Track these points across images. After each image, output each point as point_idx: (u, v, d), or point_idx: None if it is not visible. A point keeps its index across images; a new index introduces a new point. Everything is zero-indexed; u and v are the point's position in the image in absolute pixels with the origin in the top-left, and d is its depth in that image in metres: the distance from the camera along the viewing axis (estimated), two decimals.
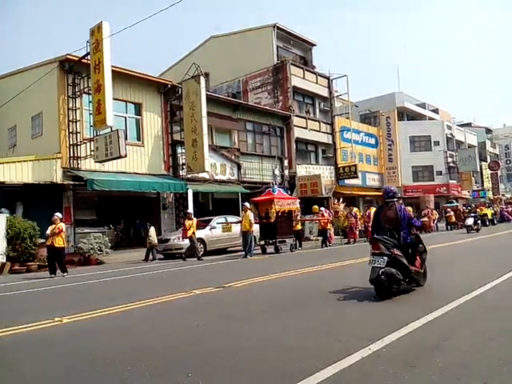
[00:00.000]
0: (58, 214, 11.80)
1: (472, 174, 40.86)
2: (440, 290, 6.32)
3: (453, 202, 31.51)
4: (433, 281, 6.67)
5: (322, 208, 19.00)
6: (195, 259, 13.99)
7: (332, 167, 28.67)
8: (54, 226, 11.44)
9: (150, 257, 15.09)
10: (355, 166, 28.22)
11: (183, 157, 19.33)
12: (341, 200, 21.51)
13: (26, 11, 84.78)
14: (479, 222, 23.32)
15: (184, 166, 19.27)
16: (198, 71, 18.79)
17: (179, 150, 19.65)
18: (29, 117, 17.84)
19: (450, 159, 38.44)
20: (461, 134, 42.46)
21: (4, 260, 12.92)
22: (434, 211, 26.99)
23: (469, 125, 49.45)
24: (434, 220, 25.86)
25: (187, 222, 14.61)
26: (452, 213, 27.19)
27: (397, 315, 4.87)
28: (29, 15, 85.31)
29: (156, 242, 15.39)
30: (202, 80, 18.75)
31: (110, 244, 15.26)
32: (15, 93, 16.87)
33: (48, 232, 11.37)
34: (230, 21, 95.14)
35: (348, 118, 29.91)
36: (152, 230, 15.30)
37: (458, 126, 44.53)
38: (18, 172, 14.95)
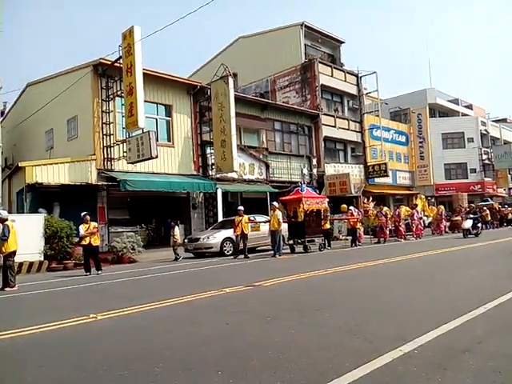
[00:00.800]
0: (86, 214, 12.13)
1: (508, 172, 39.37)
2: (473, 292, 6.19)
3: (488, 201, 30.51)
4: (466, 282, 6.55)
5: (352, 207, 18.82)
6: (226, 257, 14.16)
7: (361, 166, 28.33)
8: (87, 225, 11.80)
9: (178, 255, 15.28)
10: (385, 164, 27.80)
11: (212, 157, 19.59)
12: (370, 199, 21.23)
13: (60, 17, 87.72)
14: (479, 224, 19.48)
15: (213, 166, 19.53)
16: (227, 72, 18.99)
17: (208, 150, 19.93)
18: (65, 120, 18.51)
19: (484, 156, 37.18)
20: (496, 130, 41.02)
21: (42, 258, 13.46)
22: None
23: (504, 120, 47.63)
24: None
25: (237, 219, 14.90)
26: (488, 211, 26.33)
27: (429, 316, 4.81)
28: (62, 20, 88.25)
29: (180, 241, 15.65)
30: (231, 80, 18.93)
31: (142, 243, 15.62)
32: (51, 97, 17.57)
33: (83, 232, 11.72)
34: (258, 21, 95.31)
35: (377, 116, 29.47)
36: (177, 230, 15.55)
37: (493, 121, 42.97)
38: (55, 173, 15.56)
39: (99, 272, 11.69)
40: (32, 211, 14.81)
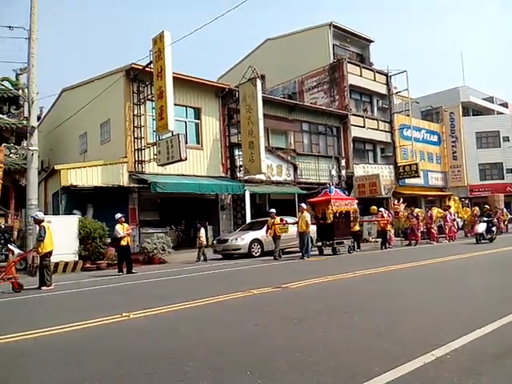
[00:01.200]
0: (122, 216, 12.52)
1: None
2: (508, 297, 5.98)
3: None
4: (499, 286, 6.33)
5: (382, 209, 18.51)
6: (254, 259, 14.21)
7: (391, 166, 27.81)
8: (121, 226, 12.16)
9: (202, 257, 15.44)
10: (416, 164, 27.19)
11: (240, 159, 19.72)
12: (401, 200, 20.81)
13: (91, 23, 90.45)
14: (494, 228, 17.39)
15: (241, 168, 19.65)
16: (254, 74, 19.08)
17: (236, 152, 20.07)
18: (98, 124, 19.08)
19: None
20: None
21: (76, 258, 13.90)
22: (505, 212, 25.31)
23: None
24: (504, 221, 24.27)
25: (269, 221, 15.05)
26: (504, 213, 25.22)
27: (461, 321, 4.69)
28: (93, 27, 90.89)
29: (205, 242, 15.83)
30: (258, 83, 19.01)
31: (171, 244, 15.87)
32: (85, 102, 18.12)
33: (122, 233, 12.07)
34: (284, 23, 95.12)
35: (408, 115, 28.88)
36: (202, 231, 15.74)
37: None
38: (89, 176, 16.04)
39: (133, 272, 11.97)
40: (67, 213, 15.33)
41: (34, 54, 13.95)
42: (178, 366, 3.60)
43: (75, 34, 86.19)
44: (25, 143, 16.27)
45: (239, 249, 15.54)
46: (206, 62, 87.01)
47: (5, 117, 19.65)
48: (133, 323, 5.50)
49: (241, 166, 19.72)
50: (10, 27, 13.95)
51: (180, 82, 17.77)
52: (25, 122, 16.83)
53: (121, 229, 12.10)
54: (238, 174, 19.88)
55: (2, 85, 19.96)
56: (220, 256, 16.34)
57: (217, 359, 3.77)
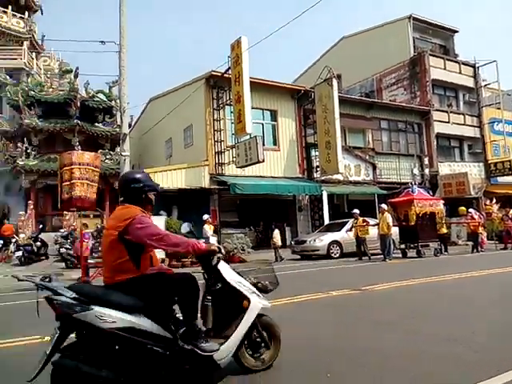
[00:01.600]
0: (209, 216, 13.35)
1: None
2: None
3: None
4: None
5: (471, 210, 17.28)
6: (333, 260, 14.09)
7: (481, 164, 25.84)
8: (209, 226, 13.09)
9: (279, 258, 15.61)
10: (510, 161, 24.95)
11: (317, 159, 19.63)
12: (494, 200, 19.29)
13: (169, 31, 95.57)
14: None
15: (318, 168, 19.56)
16: (330, 74, 18.89)
17: (313, 152, 20.02)
18: (181, 129, 20.19)
19: None
20: None
21: (163, 256, 14.81)
22: None
23: None
24: None
25: (353, 222, 15.15)
26: None
27: None
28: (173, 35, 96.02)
29: (280, 243, 15.96)
30: (334, 82, 18.80)
31: (251, 244, 16.27)
32: (169, 109, 19.25)
33: (211, 232, 12.94)
34: (360, 20, 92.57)
35: (499, 109, 26.59)
36: (275, 233, 15.89)
37: None
38: (174, 179, 17.05)
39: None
40: (154, 213, 16.36)
41: (125, 66, 15.03)
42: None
43: (160, 47, 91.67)
44: (118, 149, 17.70)
45: (317, 250, 15.48)
46: (280, 65, 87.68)
47: (101, 125, 21.63)
48: None
49: (317, 166, 19.63)
50: (102, 42, 15.24)
51: (256, 86, 18.15)
52: (117, 129, 18.33)
53: (209, 229, 12.88)
54: (315, 175, 19.81)
55: (98, 97, 21.99)
56: (298, 257, 16.41)
57: (293, 359, 3.79)
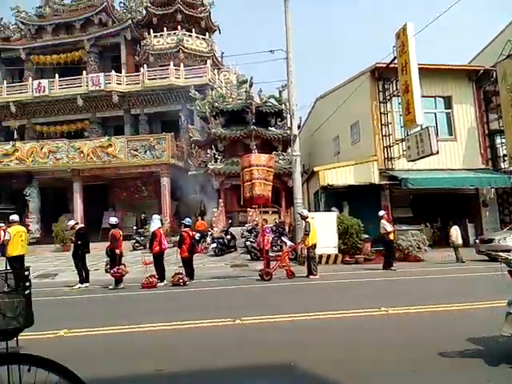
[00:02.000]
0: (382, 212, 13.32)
1: None
2: None
3: None
4: None
5: None
6: None
7: None
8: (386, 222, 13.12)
9: (460, 258, 14.23)
10: None
11: (504, 147, 17.34)
12: None
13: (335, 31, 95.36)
14: None
15: (505, 158, 17.25)
16: None
17: (498, 140, 17.76)
18: (348, 126, 20.34)
19: None
20: None
21: (337, 252, 15.21)
22: None
23: None
24: None
25: None
26: None
27: None
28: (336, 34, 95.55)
29: (459, 242, 14.52)
30: None
31: (427, 242, 15.40)
32: (335, 107, 19.63)
33: (390, 227, 13.00)
34: None
35: None
36: (452, 230, 14.53)
37: None
38: (342, 175, 17.35)
39: (392, 268, 12.41)
40: (325, 210, 17.00)
41: (292, 71, 15.95)
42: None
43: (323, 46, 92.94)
44: (289, 150, 18.95)
45: (509, 250, 13.68)
46: (450, 49, 78.85)
47: (273, 129, 23.46)
48: (386, 319, 5.92)
49: (505, 155, 17.30)
50: (271, 51, 16.51)
51: (426, 73, 16.92)
52: (288, 131, 19.58)
53: (388, 224, 12.98)
54: (502, 165, 17.51)
55: (269, 102, 23.87)
56: (484, 258, 14.74)
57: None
